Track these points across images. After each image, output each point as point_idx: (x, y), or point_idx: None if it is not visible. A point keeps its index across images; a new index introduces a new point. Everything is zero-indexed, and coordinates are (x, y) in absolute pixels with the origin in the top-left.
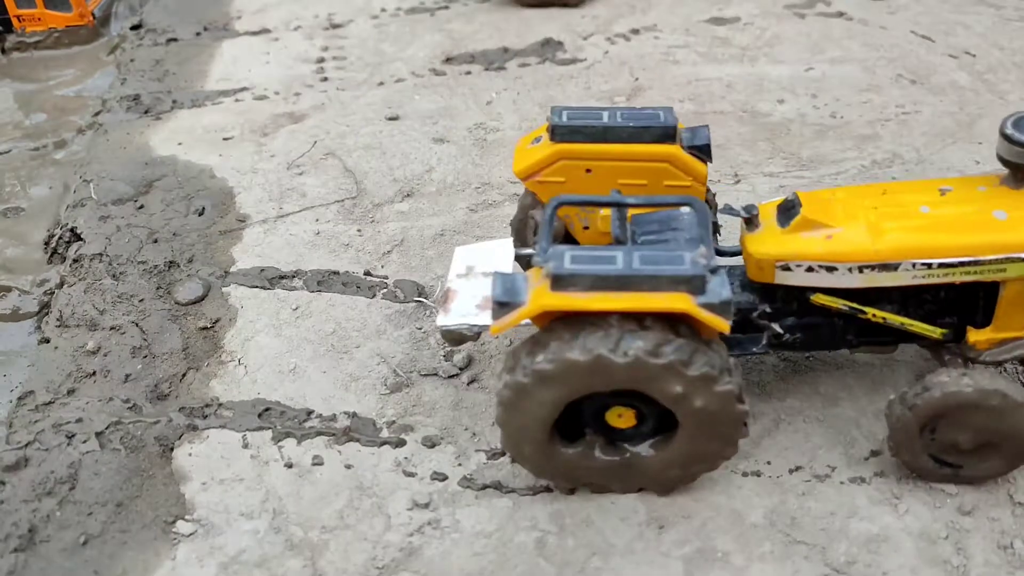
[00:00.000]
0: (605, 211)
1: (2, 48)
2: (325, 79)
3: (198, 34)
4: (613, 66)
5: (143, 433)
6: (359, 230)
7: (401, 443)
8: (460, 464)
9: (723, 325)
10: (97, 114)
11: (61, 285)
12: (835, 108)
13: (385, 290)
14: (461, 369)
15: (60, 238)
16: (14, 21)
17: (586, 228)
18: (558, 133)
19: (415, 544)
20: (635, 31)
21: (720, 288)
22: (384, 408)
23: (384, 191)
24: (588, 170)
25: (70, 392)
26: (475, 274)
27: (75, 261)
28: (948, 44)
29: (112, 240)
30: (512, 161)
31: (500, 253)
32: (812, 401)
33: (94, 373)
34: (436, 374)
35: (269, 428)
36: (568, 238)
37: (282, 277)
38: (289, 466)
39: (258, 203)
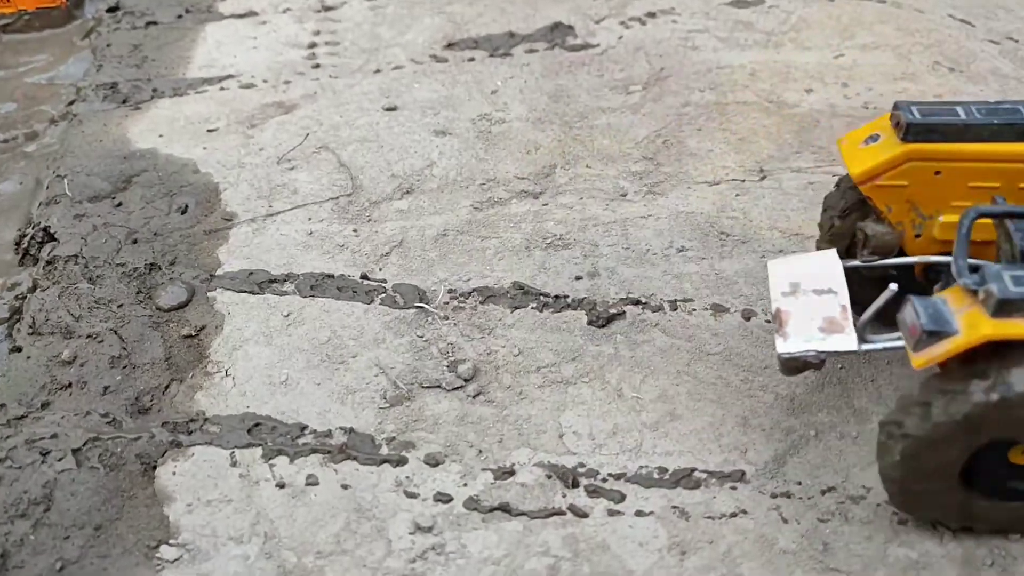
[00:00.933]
0: (946, 217)
1: None
2: (317, 66)
3: (179, 16)
4: (628, 52)
5: (123, 450)
6: (355, 230)
7: (402, 461)
8: (466, 484)
9: None
10: (71, 103)
11: (33, 289)
12: (868, 98)
13: (383, 295)
14: (466, 381)
15: (32, 238)
16: None
17: (917, 236)
18: (912, 132)
19: (418, 571)
20: (651, 14)
21: None
22: (383, 423)
23: (382, 188)
24: (937, 172)
25: (44, 405)
26: (803, 292)
27: (48, 263)
28: (989, 29)
29: (88, 241)
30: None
31: (824, 266)
32: (845, 416)
33: (70, 385)
34: (439, 386)
35: (259, 445)
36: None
37: (272, 281)
38: (281, 486)
39: (246, 200)
